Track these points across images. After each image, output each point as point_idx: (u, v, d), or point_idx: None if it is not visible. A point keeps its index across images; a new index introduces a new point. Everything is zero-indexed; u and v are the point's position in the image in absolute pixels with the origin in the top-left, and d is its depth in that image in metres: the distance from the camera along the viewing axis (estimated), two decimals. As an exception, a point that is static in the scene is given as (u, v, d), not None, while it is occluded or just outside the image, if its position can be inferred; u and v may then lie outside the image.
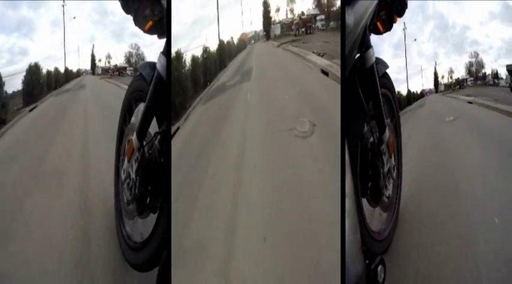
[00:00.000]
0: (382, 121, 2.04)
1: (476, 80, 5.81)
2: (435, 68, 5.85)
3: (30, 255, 2.23)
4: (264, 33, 6.11)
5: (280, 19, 5.93)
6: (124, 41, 5.34)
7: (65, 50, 5.06)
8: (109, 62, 5.57)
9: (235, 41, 6.04)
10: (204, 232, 2.42)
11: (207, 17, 5.43)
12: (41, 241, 2.34)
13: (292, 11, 5.77)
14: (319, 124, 3.41)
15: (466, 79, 5.88)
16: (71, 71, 5.31)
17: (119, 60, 5.52)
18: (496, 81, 5.66)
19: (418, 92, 5.97)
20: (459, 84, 5.90)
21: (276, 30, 5.91)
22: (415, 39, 5.44)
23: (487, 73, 5.68)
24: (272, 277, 2.00)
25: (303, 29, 5.56)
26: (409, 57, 5.44)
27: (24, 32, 4.64)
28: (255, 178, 2.89)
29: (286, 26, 5.87)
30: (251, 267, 2.07)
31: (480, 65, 5.69)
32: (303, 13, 5.49)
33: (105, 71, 5.60)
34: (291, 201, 2.53)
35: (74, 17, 4.99)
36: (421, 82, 5.95)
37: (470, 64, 5.74)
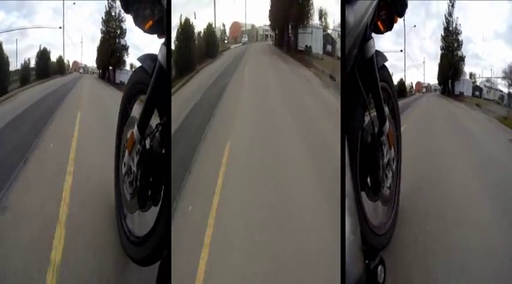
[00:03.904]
0: (382, 113, 2.05)
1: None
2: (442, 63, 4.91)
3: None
4: (272, 32, 3.47)
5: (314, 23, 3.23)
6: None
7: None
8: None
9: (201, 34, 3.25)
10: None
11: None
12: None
13: (322, 14, 3.35)
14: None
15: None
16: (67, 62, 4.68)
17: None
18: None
19: (406, 85, 4.93)
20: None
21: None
22: (414, 26, 5.01)
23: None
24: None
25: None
26: (408, 47, 4.98)
27: (24, 13, 4.55)
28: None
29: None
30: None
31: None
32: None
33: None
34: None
35: (74, 3, 4.51)
36: (415, 75, 5.08)
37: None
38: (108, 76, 3.98)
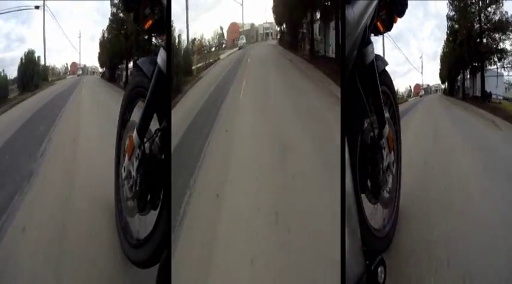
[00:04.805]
0: (382, 116, 2.05)
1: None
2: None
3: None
4: (277, 28, 2.83)
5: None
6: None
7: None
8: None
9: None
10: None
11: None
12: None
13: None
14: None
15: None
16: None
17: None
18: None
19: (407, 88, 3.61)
20: None
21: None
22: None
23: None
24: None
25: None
26: (407, 50, 4.55)
27: (22, 19, 4.44)
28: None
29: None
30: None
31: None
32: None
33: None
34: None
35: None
36: (413, 79, 4.62)
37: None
38: (123, 78, 2.79)
